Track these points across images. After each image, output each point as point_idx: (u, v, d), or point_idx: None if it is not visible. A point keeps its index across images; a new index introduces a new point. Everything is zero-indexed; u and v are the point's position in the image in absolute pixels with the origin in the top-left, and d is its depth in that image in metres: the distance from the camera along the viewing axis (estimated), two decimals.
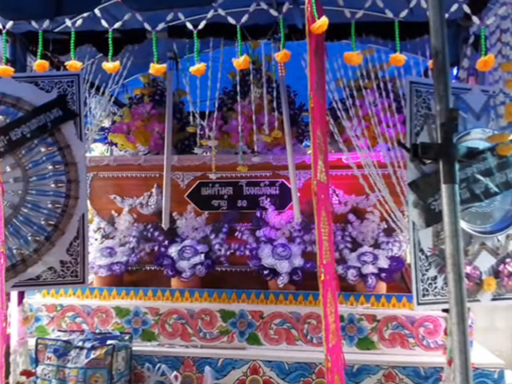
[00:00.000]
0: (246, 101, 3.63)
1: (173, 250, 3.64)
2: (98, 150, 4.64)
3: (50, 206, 2.89)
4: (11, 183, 2.88)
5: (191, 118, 3.71)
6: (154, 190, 3.87)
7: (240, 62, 2.32)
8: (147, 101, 4.02)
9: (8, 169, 2.88)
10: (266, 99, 3.46)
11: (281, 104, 3.49)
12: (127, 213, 3.92)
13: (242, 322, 3.32)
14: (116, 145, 4.12)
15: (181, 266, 3.56)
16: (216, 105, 3.66)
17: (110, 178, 3.98)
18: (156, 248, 3.74)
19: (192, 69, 2.39)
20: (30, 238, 2.86)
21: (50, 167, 2.91)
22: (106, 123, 4.34)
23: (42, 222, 2.88)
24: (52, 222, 2.88)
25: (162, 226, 3.55)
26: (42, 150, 2.92)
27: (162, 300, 3.52)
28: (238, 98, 3.40)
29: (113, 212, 3.96)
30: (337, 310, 2.26)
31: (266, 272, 3.45)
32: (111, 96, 3.70)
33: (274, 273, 3.43)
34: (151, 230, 3.79)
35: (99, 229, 3.94)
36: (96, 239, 3.89)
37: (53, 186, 2.91)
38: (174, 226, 3.78)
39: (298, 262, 3.43)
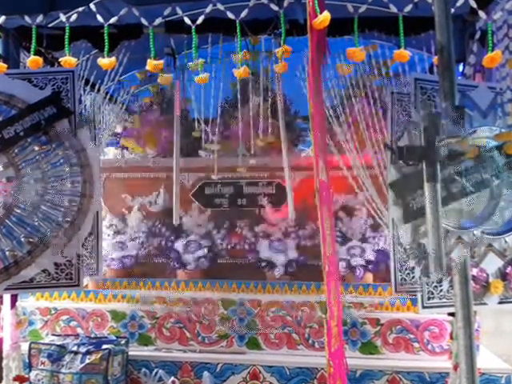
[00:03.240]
0: (246, 108, 3.84)
1: (178, 245, 3.89)
2: (111, 153, 4.95)
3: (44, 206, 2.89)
4: (3, 183, 2.88)
5: (196, 124, 3.95)
6: (161, 190, 4.13)
7: (240, 72, 2.42)
8: (156, 108, 4.35)
9: (0, 168, 2.88)
10: (262, 107, 3.73)
11: (277, 111, 3.70)
12: (137, 210, 4.14)
13: (242, 310, 3.41)
14: (127, 148, 4.46)
15: (186, 259, 3.80)
16: (218, 112, 3.89)
17: (121, 178, 4.22)
18: (163, 242, 4.00)
19: (196, 78, 2.46)
20: (23, 239, 2.86)
21: (44, 166, 2.91)
22: (119, 129, 4.57)
23: (35, 223, 2.88)
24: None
25: (173, 222, 3.77)
26: (36, 148, 2.91)
27: (168, 290, 3.65)
28: (239, 105, 3.65)
29: (124, 210, 4.17)
30: (340, 313, 2.27)
31: (263, 264, 3.69)
32: (123, 104, 3.91)
33: (271, 265, 3.66)
34: (159, 226, 4.07)
35: (111, 225, 4.17)
36: (108, 235, 4.10)
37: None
38: (179, 223, 3.97)
39: (293, 255, 3.69)
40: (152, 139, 4.28)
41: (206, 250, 3.84)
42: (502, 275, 2.64)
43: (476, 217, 2.64)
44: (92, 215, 2.90)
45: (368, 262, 3.55)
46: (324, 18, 1.95)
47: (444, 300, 2.52)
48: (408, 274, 2.55)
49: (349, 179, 3.24)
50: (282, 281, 3.59)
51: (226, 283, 3.62)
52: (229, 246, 3.93)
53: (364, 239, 3.71)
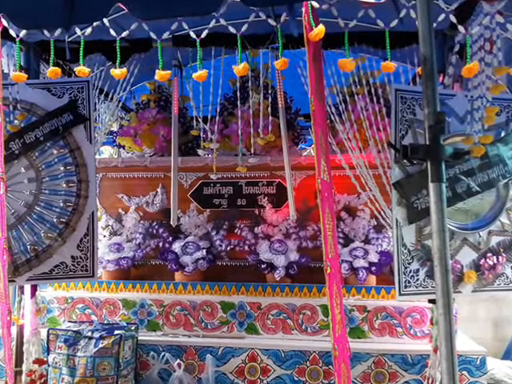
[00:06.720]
0: (246, 106, 3.58)
1: (176, 246, 3.61)
2: (107, 152, 4.63)
3: (61, 204, 2.87)
4: (26, 183, 2.86)
5: (194, 122, 3.66)
6: (158, 190, 3.84)
7: (240, 68, 2.29)
8: (153, 106, 3.99)
9: (22, 170, 2.86)
10: (262, 105, 3.44)
11: (278, 109, 3.45)
12: (134, 211, 3.89)
13: (241, 313, 3.30)
14: (124, 147, 4.09)
15: (184, 261, 3.53)
16: (218, 110, 3.62)
17: (117, 178, 3.94)
18: (161, 244, 3.71)
19: (194, 75, 2.36)
20: (42, 234, 2.84)
21: (62, 168, 2.90)
22: (115, 127, 4.30)
23: (54, 220, 2.86)
24: (63, 220, 2.86)
25: (171, 223, 3.49)
26: (54, 152, 2.90)
27: (166, 293, 3.48)
28: (238, 103, 3.35)
29: (120, 210, 3.93)
30: (341, 301, 2.22)
31: (263, 266, 3.42)
32: (119, 102, 3.67)
33: (272, 267, 3.41)
34: (156, 227, 3.77)
35: (107, 226, 3.91)
36: (104, 236, 3.85)
37: (64, 185, 2.89)
38: (177, 224, 3.73)
39: (294, 256, 3.41)
40: (149, 137, 3.90)
41: (204, 252, 3.53)
42: (476, 266, 2.64)
43: (483, 217, 2.62)
44: (87, 216, 2.87)
45: (371, 263, 3.28)
46: (319, 30, 1.94)
47: (420, 288, 2.51)
48: (412, 276, 2.49)
49: (351, 179, 3.09)
50: (282, 283, 3.37)
51: (225, 286, 3.41)
52: (228, 248, 3.61)
53: (367, 240, 3.44)
